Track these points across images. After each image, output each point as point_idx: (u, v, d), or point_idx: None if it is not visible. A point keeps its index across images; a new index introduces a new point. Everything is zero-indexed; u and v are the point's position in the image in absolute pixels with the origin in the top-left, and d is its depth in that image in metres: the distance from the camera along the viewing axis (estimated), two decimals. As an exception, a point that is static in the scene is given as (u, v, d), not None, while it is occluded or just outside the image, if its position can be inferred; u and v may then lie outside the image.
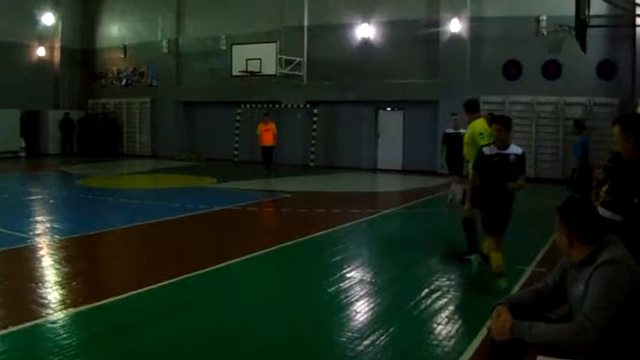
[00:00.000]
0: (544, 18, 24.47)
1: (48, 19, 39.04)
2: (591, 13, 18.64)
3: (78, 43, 41.11)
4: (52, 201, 19.73)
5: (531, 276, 9.94)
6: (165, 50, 36.86)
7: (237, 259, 11.35)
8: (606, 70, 25.17)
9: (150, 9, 37.34)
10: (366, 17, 29.93)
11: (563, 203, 4.68)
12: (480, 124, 11.56)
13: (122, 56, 39.56)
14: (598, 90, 25.14)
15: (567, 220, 4.53)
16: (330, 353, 7.08)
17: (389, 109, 30.18)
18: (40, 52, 39.04)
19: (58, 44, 40.13)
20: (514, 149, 9.18)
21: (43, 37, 39.15)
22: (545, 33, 24.31)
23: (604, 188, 10.30)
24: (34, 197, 20.00)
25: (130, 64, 39.47)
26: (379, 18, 29.66)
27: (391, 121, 30.02)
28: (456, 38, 27.45)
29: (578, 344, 4.11)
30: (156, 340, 7.30)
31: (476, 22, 27.18)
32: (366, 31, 30.00)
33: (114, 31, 40.26)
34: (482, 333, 7.13)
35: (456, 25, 27.29)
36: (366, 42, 30.08)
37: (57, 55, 40.24)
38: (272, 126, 27.04)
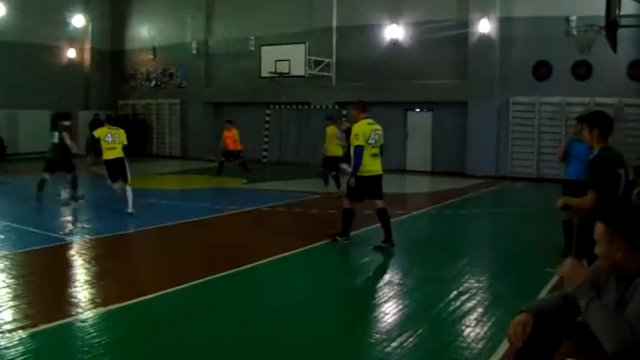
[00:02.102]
0: (574, 18, 24.30)
1: (78, 21, 39.31)
2: (622, 12, 18.44)
3: (108, 45, 41.42)
4: (81, 201, 19.82)
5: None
6: (195, 51, 37.00)
7: (266, 260, 11.35)
8: (637, 70, 24.92)
9: (179, 10, 37.47)
10: (395, 18, 29.84)
11: (608, 211, 4.38)
12: (357, 126, 12.70)
13: (151, 57, 39.77)
14: (629, 91, 24.90)
15: (620, 229, 4.20)
16: (358, 355, 7.08)
17: (418, 110, 30.08)
18: (71, 53, 39.34)
19: (88, 46, 40.45)
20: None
21: (73, 39, 39.45)
22: (575, 33, 24.10)
23: (635, 191, 10.26)
24: (64, 197, 20.09)
25: (160, 66, 39.65)
26: (408, 19, 29.57)
27: (420, 122, 29.91)
28: (485, 39, 27.29)
29: (615, 343, 4.00)
30: (184, 340, 7.32)
31: (505, 23, 27.00)
32: (394, 31, 29.92)
33: (143, 32, 40.47)
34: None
35: (485, 26, 27.13)
36: (394, 43, 29.98)
37: (87, 57, 40.54)
38: (233, 132, 26.55)
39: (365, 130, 12.57)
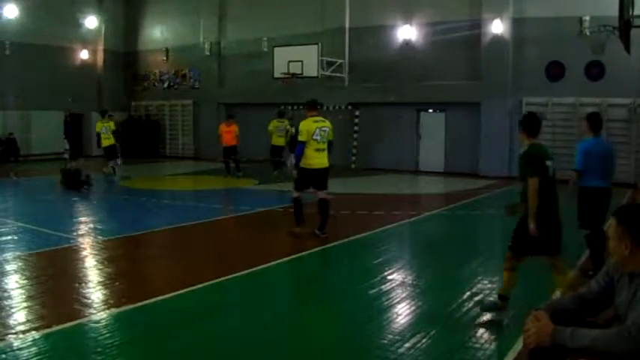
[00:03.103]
0: (587, 18, 24.19)
1: (91, 22, 39.46)
2: (635, 13, 18.38)
3: (121, 46, 41.60)
4: (95, 202, 19.90)
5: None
6: (207, 53, 37.08)
7: (278, 261, 11.36)
8: (651, 71, 24.85)
9: (191, 12, 37.56)
10: (408, 19, 29.81)
11: (621, 208, 4.44)
12: (303, 123, 13.97)
13: (164, 59, 39.89)
14: (642, 91, 24.82)
15: (629, 227, 4.24)
16: (370, 356, 7.07)
17: (430, 110, 30.03)
18: (84, 55, 39.52)
19: (101, 47, 40.63)
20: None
21: (87, 41, 39.62)
22: (588, 33, 24.02)
23: None
24: (77, 198, 20.17)
25: (172, 67, 39.77)
26: (420, 19, 29.52)
27: (433, 123, 29.87)
28: (498, 39, 27.22)
29: (621, 349, 4.01)
30: (197, 341, 7.33)
31: (518, 23, 26.93)
32: (407, 32, 29.88)
33: (156, 33, 40.60)
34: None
35: (498, 26, 27.06)
36: (407, 43, 29.95)
37: (100, 58, 40.72)
38: (234, 128, 26.83)
39: (309, 127, 13.65)
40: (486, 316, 8.28)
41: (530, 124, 8.48)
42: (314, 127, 13.68)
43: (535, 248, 8.25)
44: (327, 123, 14.19)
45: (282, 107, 29.27)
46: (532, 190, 8.11)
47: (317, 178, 13.74)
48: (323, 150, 13.77)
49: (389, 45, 30.48)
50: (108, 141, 25.32)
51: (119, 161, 25.66)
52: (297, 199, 14.08)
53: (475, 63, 28.04)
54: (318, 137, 13.64)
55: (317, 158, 13.66)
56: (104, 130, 25.31)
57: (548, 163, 8.35)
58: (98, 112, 33.20)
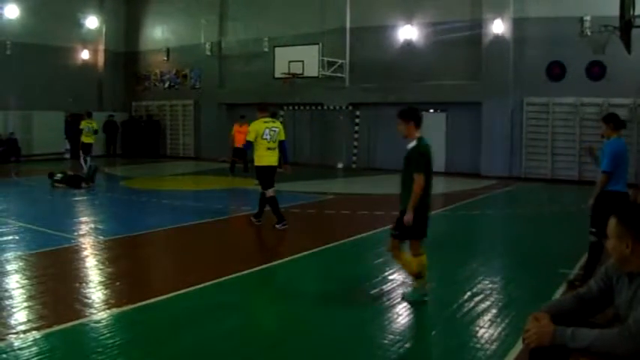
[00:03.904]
0: (588, 18, 24.12)
1: (92, 22, 39.57)
2: (636, 12, 18.38)
3: (121, 46, 41.69)
4: (96, 202, 19.91)
5: (575, 278, 9.81)
6: (208, 53, 37.11)
7: (280, 261, 11.37)
8: (652, 71, 24.83)
9: (192, 12, 37.62)
10: (408, 19, 29.80)
11: (621, 207, 4.43)
12: (253, 124, 15.06)
13: (165, 59, 39.97)
14: (643, 91, 24.80)
15: (630, 225, 4.24)
16: (371, 356, 7.07)
17: (432, 110, 29.99)
18: (84, 55, 39.61)
19: (101, 47, 40.75)
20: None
21: (87, 41, 39.73)
22: (589, 33, 23.98)
23: None
24: (78, 198, 20.18)
25: (173, 67, 39.83)
26: (421, 19, 29.52)
27: (434, 123, 29.72)
28: (498, 39, 27.21)
29: (622, 349, 4.02)
30: (198, 341, 7.33)
31: (519, 23, 26.92)
32: (408, 32, 29.87)
33: (157, 34, 40.68)
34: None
35: (498, 26, 27.05)
36: (408, 44, 29.94)
37: (101, 58, 40.82)
38: (246, 128, 26.87)
39: (259, 127, 14.78)
40: (487, 316, 8.28)
41: (417, 116, 9.30)
42: (263, 128, 14.78)
43: (410, 235, 8.76)
44: (278, 124, 15.40)
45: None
46: (419, 186, 8.47)
47: (268, 176, 14.90)
48: (273, 149, 14.86)
49: (390, 45, 30.47)
50: (88, 139, 26.93)
51: (88, 159, 26.67)
52: (272, 197, 14.97)
53: (476, 63, 28.02)
54: (268, 137, 14.72)
55: (267, 157, 14.76)
56: (87, 129, 26.95)
57: (431, 156, 8.91)
58: (99, 112, 33.50)
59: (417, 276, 8.89)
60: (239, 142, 26.53)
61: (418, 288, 8.90)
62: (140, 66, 41.90)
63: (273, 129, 14.91)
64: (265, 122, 14.96)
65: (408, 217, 8.49)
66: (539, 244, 13.56)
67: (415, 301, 8.79)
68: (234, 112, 35.45)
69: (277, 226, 14.63)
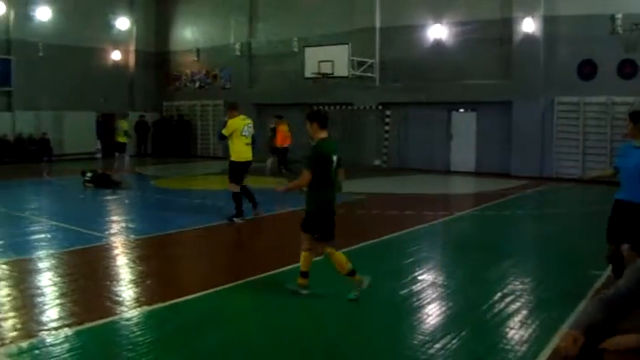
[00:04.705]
0: (619, 16, 24.00)
1: (123, 23, 39.85)
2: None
3: (152, 47, 41.92)
4: (127, 201, 20.01)
5: (607, 281, 9.73)
6: (238, 53, 37.20)
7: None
8: (683, 69, 24.60)
9: (222, 12, 37.77)
10: (438, 18, 29.68)
11: None
12: (232, 121, 15.78)
13: (195, 59, 40.13)
14: (675, 90, 24.55)
15: None
16: (401, 356, 7.06)
17: (462, 110, 29.89)
18: (116, 55, 39.86)
19: (132, 48, 41.00)
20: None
21: (118, 42, 39.99)
22: (620, 32, 23.85)
23: None
24: (109, 197, 20.30)
25: (204, 67, 39.98)
26: (451, 18, 29.38)
27: (464, 123, 29.71)
28: (529, 38, 27.02)
29: None
30: (227, 340, 7.37)
31: (549, 22, 26.68)
32: (437, 31, 29.76)
33: (187, 34, 40.86)
34: (556, 338, 7.02)
35: (529, 25, 26.85)
36: (438, 43, 29.83)
37: (132, 59, 41.07)
38: (284, 127, 27.09)
39: (238, 124, 15.65)
40: (518, 317, 8.24)
41: (320, 117, 9.31)
42: (242, 125, 15.70)
43: (308, 228, 9.16)
44: (250, 120, 16.34)
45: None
46: (302, 179, 9.04)
47: (245, 169, 15.85)
48: (250, 144, 15.82)
49: (419, 44, 30.36)
50: (120, 138, 29.17)
51: (126, 157, 28.82)
52: (238, 192, 15.86)
53: (506, 62, 27.86)
54: (247, 133, 15.69)
55: (245, 152, 15.72)
56: (118, 129, 29.56)
57: (333, 156, 9.15)
58: (130, 112, 33.88)
59: (302, 275, 9.17)
60: (279, 143, 26.71)
61: (296, 284, 9.24)
62: (171, 66, 42.10)
63: (250, 125, 15.95)
64: (243, 120, 15.90)
65: (280, 188, 9.97)
66: (570, 245, 13.46)
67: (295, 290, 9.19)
68: (264, 112, 35.51)
69: (235, 219, 15.54)
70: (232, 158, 15.67)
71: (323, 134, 9.14)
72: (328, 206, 9.16)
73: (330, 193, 9.15)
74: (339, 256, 9.12)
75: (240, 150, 15.58)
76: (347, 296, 9.00)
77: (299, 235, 9.21)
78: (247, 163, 15.83)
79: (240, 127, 15.60)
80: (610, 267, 9.39)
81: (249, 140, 15.73)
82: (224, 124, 15.97)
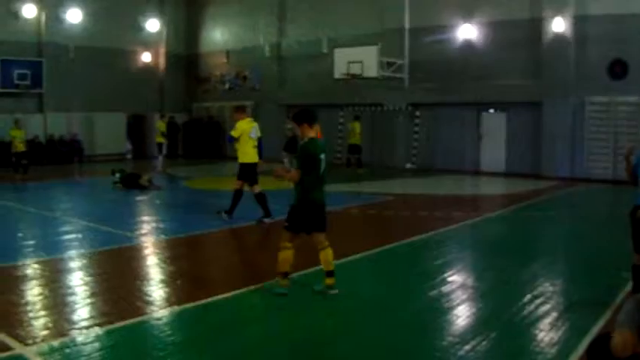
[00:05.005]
0: (650, 15, 23.82)
1: (153, 25, 40.03)
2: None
3: (182, 49, 42.07)
4: (157, 201, 20.09)
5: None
6: (268, 54, 37.25)
7: (337, 262, 11.32)
8: None
9: (251, 14, 37.83)
10: (467, 18, 29.53)
11: None
12: (240, 122, 15.69)
13: (225, 60, 40.22)
14: None
15: None
16: (430, 357, 7.07)
17: (492, 110, 29.75)
18: (146, 57, 40.02)
19: (162, 49, 41.14)
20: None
21: (149, 43, 40.14)
22: (651, 30, 23.67)
23: None
24: (140, 198, 20.41)
25: (233, 68, 40.04)
26: (480, 18, 29.23)
27: (494, 123, 29.55)
28: (559, 38, 26.82)
29: None
30: (256, 340, 7.40)
31: (580, 21, 26.45)
32: (467, 32, 29.63)
33: (217, 36, 40.98)
34: (587, 340, 6.98)
35: (559, 24, 26.65)
36: (467, 43, 29.69)
37: (162, 61, 41.23)
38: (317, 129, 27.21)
39: (246, 127, 15.67)
40: (548, 319, 8.20)
41: (310, 117, 9.50)
42: (250, 127, 15.75)
43: (306, 227, 9.33)
44: (256, 123, 16.20)
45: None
46: (292, 175, 9.38)
47: (253, 172, 15.77)
48: (256, 147, 15.85)
49: (449, 45, 30.22)
50: (158, 139, 30.06)
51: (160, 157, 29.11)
52: (240, 190, 15.97)
53: (536, 62, 27.68)
54: (254, 135, 15.75)
55: (252, 154, 15.74)
56: (157, 130, 30.38)
57: (322, 156, 9.34)
58: (160, 114, 34.10)
59: (282, 275, 9.24)
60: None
61: (275, 284, 9.32)
62: (201, 68, 42.24)
63: (255, 127, 15.94)
64: (250, 122, 15.91)
65: (278, 172, 10.01)
66: (601, 247, 13.36)
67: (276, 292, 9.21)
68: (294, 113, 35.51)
69: (266, 220, 15.65)
70: (241, 160, 15.81)
71: (312, 133, 9.34)
72: (313, 204, 9.33)
73: (317, 192, 9.35)
74: (329, 255, 9.35)
75: (248, 152, 15.69)
76: (314, 287, 9.41)
77: (327, 236, 9.24)
78: (254, 165, 15.88)
79: (248, 129, 15.70)
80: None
81: (255, 143, 15.83)
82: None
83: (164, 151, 29.01)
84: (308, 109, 9.99)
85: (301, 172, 9.12)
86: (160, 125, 29.47)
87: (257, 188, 15.76)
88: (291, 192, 9.51)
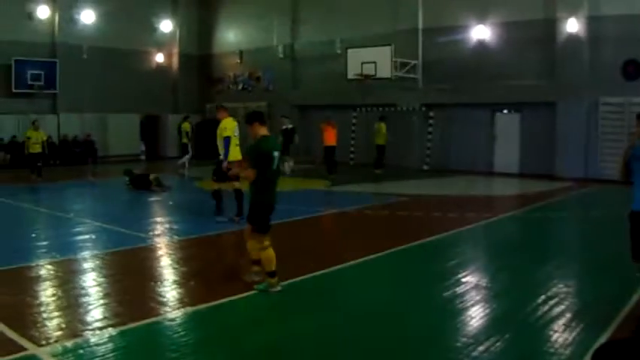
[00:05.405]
0: (665, 15, 23.70)
1: (166, 26, 40.19)
2: None
3: (195, 49, 42.12)
4: (170, 202, 20.12)
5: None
6: (281, 55, 37.27)
7: (352, 262, 11.36)
8: None
9: (265, 15, 37.81)
10: (481, 19, 29.47)
11: None
12: (225, 121, 15.90)
13: (238, 61, 40.26)
14: None
15: None
16: (444, 358, 7.05)
17: (505, 111, 29.67)
18: (159, 58, 40.19)
19: (176, 50, 41.28)
20: None
21: (162, 44, 40.31)
22: (666, 31, 23.55)
23: None
24: (153, 199, 20.45)
25: (246, 69, 40.08)
26: (494, 19, 29.16)
27: (508, 124, 29.48)
28: (573, 38, 26.73)
29: None
30: (270, 341, 7.39)
31: (593, 21, 26.35)
32: (481, 32, 29.57)
33: (230, 36, 41.03)
34: (601, 342, 6.96)
35: (573, 25, 26.56)
36: (481, 43, 29.63)
37: (175, 61, 41.36)
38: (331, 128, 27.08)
39: (232, 125, 15.90)
40: (562, 320, 8.17)
41: (258, 117, 9.76)
42: (234, 125, 15.97)
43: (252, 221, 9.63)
44: (236, 122, 16.41)
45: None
46: (248, 173, 9.51)
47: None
48: (238, 145, 15.99)
49: (462, 45, 30.17)
50: (184, 139, 29.36)
51: (185, 158, 28.72)
52: (219, 190, 16.40)
53: (550, 63, 27.59)
54: (237, 133, 15.94)
55: (237, 153, 15.86)
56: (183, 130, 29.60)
57: (275, 153, 9.56)
58: (174, 114, 34.17)
59: (269, 275, 9.34)
60: (327, 141, 26.72)
61: (267, 284, 9.41)
62: (214, 68, 42.30)
63: (237, 127, 16.13)
64: (233, 121, 16.14)
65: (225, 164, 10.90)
66: (615, 248, 13.25)
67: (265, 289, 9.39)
68: (308, 113, 35.58)
69: (236, 218, 15.58)
70: (222, 158, 15.81)
71: (263, 131, 9.54)
72: (267, 201, 9.61)
73: (270, 192, 9.61)
74: (271, 253, 9.36)
75: (232, 150, 15.68)
76: (256, 287, 9.44)
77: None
78: (239, 163, 15.53)
79: (233, 127, 15.88)
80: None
81: (238, 140, 15.94)
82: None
83: (190, 152, 28.91)
84: (256, 110, 10.74)
85: (256, 171, 9.31)
86: (185, 126, 29.26)
87: (237, 185, 15.70)
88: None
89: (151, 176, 22.39)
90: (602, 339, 7.12)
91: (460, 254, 12.70)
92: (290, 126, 28.84)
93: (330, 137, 26.32)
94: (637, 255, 8.28)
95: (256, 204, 9.54)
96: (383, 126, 28.83)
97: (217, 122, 16.11)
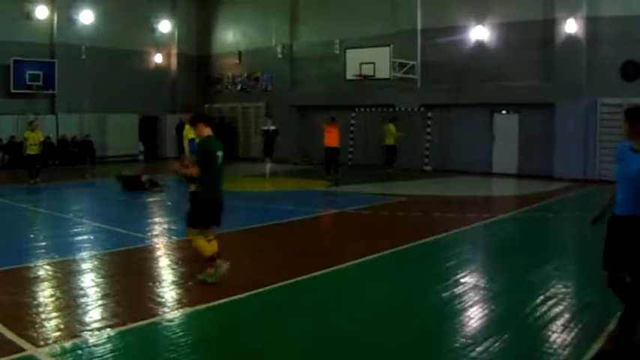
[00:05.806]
0: (663, 16, 23.70)
1: (164, 26, 40.21)
2: None
3: (194, 50, 42.14)
4: (169, 203, 20.11)
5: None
6: (280, 55, 37.25)
7: (351, 262, 11.37)
8: None
9: (264, 15, 37.86)
10: (480, 19, 29.48)
11: None
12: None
13: (237, 62, 40.23)
14: None
15: None
16: (443, 359, 7.03)
17: (504, 112, 29.67)
18: (157, 58, 40.19)
19: (174, 51, 41.28)
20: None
21: (160, 44, 40.31)
22: (664, 32, 23.54)
23: None
24: (151, 199, 20.44)
25: (245, 70, 40.06)
26: (493, 20, 29.16)
27: (506, 125, 29.48)
28: (571, 39, 26.72)
29: None
30: (269, 341, 7.38)
31: (592, 22, 26.36)
32: (479, 33, 29.57)
33: (229, 37, 41.02)
34: (599, 342, 6.97)
35: (571, 26, 26.57)
36: (479, 44, 29.62)
37: (173, 62, 41.36)
38: (334, 129, 26.97)
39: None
40: (560, 321, 8.17)
41: (204, 118, 10.23)
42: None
43: (194, 222, 9.97)
44: None
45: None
46: (192, 171, 10.07)
47: None
48: None
49: (461, 46, 30.17)
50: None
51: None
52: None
53: (548, 63, 27.59)
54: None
55: None
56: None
57: (219, 153, 10.00)
58: (172, 114, 34.08)
59: (209, 259, 9.81)
60: (328, 142, 26.69)
61: (210, 273, 9.83)
62: (212, 69, 42.31)
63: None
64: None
65: (174, 168, 11.46)
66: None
67: (206, 281, 9.83)
68: (306, 114, 35.60)
69: None
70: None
71: (207, 131, 9.89)
72: (213, 197, 10.05)
73: (215, 188, 10.02)
74: (200, 242, 9.79)
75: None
76: (197, 276, 9.85)
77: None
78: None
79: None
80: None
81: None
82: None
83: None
84: (200, 111, 11.25)
85: (199, 169, 9.68)
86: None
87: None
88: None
89: (144, 177, 22.39)
90: (601, 340, 7.13)
91: (459, 255, 12.69)
92: (272, 127, 29.11)
93: (332, 138, 26.30)
94: (608, 263, 7.85)
95: (203, 200, 9.97)
96: (392, 127, 28.85)
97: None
